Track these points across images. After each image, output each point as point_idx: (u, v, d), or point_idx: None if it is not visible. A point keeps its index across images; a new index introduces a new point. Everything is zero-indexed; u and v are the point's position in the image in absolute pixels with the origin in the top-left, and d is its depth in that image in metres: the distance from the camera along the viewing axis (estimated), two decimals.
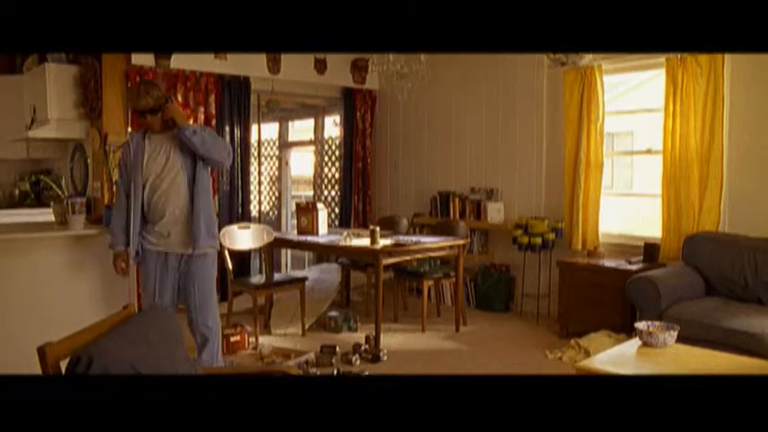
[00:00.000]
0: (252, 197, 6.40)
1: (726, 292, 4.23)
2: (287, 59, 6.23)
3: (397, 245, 4.74)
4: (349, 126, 6.92)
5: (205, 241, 3.57)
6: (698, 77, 4.51)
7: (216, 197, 5.92)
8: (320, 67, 6.54)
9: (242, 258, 5.79)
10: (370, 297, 5.60)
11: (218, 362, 3.72)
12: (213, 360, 3.69)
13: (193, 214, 3.54)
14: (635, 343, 3.10)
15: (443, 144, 6.45)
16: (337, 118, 7.27)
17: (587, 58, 5.15)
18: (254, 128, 6.39)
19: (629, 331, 4.05)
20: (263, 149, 6.93)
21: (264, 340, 4.79)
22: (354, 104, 6.91)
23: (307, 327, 5.08)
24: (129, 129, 5.49)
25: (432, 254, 5.04)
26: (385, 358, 4.33)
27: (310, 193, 7.81)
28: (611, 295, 4.53)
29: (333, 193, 7.32)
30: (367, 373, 3.96)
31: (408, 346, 4.74)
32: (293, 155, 7.91)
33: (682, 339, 3.09)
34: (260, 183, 6.70)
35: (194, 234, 3.53)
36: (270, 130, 7.99)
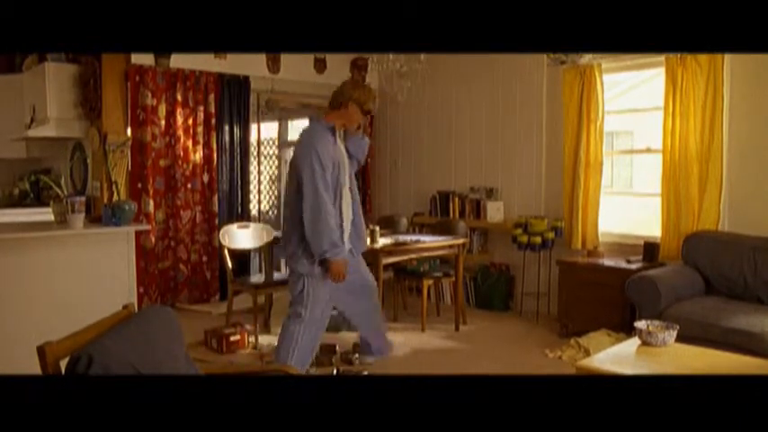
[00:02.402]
0: (251, 196, 6.41)
1: (725, 291, 4.23)
2: (287, 59, 6.23)
3: (396, 244, 4.74)
4: None
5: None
6: (698, 76, 4.51)
7: (215, 197, 5.92)
8: (320, 66, 6.54)
9: (242, 257, 5.79)
10: None
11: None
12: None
13: (358, 228, 3.43)
14: (634, 342, 3.10)
15: (443, 143, 6.45)
16: None
17: (587, 57, 5.15)
18: (253, 127, 6.39)
19: (628, 330, 4.05)
20: (262, 149, 6.92)
21: (264, 339, 4.79)
22: None
23: None
24: (129, 128, 5.49)
25: (431, 253, 5.04)
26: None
27: None
28: (611, 294, 4.53)
29: None
30: (367, 372, 3.96)
31: (408, 345, 4.74)
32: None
33: (681, 338, 3.10)
34: (259, 182, 6.70)
35: (359, 248, 3.45)
36: (269, 130, 7.97)
